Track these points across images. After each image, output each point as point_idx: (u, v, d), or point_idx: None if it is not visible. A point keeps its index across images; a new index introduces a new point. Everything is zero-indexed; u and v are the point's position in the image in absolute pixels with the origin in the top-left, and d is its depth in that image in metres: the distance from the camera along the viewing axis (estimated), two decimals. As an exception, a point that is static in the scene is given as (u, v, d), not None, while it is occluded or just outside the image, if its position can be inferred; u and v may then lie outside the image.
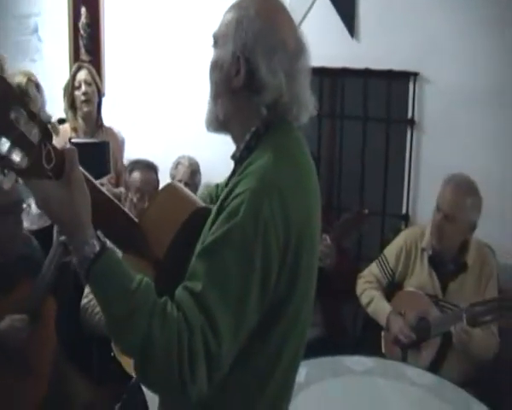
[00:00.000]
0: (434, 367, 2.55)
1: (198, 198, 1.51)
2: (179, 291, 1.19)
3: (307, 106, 1.38)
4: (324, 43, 3.35)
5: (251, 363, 1.30)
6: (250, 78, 1.32)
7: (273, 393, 1.36)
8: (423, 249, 2.74)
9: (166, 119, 4.03)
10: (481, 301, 2.43)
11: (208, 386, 1.16)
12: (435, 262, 2.71)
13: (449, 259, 2.69)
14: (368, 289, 2.82)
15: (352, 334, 3.45)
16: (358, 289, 2.88)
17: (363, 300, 2.83)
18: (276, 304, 1.26)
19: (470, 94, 3.18)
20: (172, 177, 3.50)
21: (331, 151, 3.77)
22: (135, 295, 1.14)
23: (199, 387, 1.14)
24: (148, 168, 3.04)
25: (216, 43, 1.41)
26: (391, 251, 2.85)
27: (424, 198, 3.34)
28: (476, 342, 2.50)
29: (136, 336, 1.12)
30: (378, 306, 2.76)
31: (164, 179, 3.08)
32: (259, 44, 1.31)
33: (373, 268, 2.89)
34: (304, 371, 2.22)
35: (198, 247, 1.26)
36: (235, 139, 1.42)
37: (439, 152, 3.28)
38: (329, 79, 3.65)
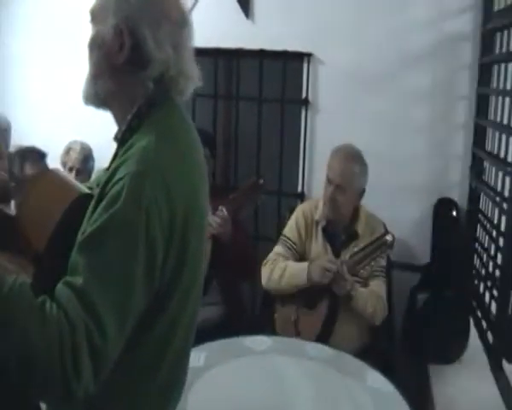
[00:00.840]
0: (324, 337, 2.65)
1: (80, 184, 1.42)
2: (59, 288, 1.11)
3: (193, 78, 1.34)
4: (219, 23, 3.33)
5: (138, 353, 1.26)
6: (135, 52, 1.26)
7: (163, 380, 1.33)
8: (317, 222, 2.81)
9: (57, 102, 3.84)
10: (357, 250, 2.58)
11: (95, 383, 1.10)
12: (328, 233, 2.79)
13: (341, 229, 2.79)
14: (276, 266, 2.78)
15: (251, 313, 3.49)
16: (265, 274, 2.80)
17: (275, 276, 2.75)
18: (163, 292, 1.22)
19: (361, 75, 3.27)
20: (64, 163, 3.35)
21: (227, 132, 3.77)
22: (7, 301, 1.05)
23: (85, 385, 1.08)
24: (41, 159, 2.90)
25: (94, 19, 1.33)
26: (290, 227, 2.88)
27: (319, 176, 3.37)
28: (363, 302, 2.64)
29: (13, 345, 1.04)
30: (294, 268, 2.73)
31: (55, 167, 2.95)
32: (144, 15, 1.25)
33: (276, 249, 2.88)
34: (203, 355, 2.22)
35: (79, 237, 1.18)
36: (117, 118, 1.35)
37: (332, 131, 3.34)
38: (224, 59, 3.63)
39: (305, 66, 3.41)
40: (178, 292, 1.26)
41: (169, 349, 1.31)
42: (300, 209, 2.93)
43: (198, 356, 2.19)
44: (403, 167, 3.23)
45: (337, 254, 2.76)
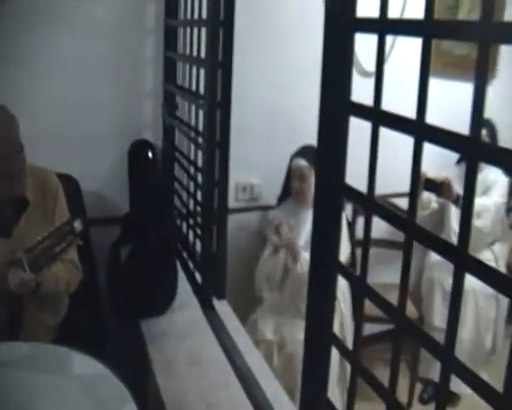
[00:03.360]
0: (13, 336, 2.15)
1: None
2: None
3: None
4: None
5: None
6: None
7: None
8: None
9: None
10: (37, 243, 1.99)
11: None
12: None
13: (6, 202, 2.19)
14: None
15: None
16: None
17: None
18: None
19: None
20: None
21: None
22: None
23: None
24: None
25: None
26: None
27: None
28: (52, 284, 2.18)
29: None
30: None
31: None
32: None
33: None
34: None
35: None
36: None
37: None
38: None
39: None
40: None
41: None
42: None
43: None
44: (89, 114, 2.88)
45: (9, 233, 2.21)
